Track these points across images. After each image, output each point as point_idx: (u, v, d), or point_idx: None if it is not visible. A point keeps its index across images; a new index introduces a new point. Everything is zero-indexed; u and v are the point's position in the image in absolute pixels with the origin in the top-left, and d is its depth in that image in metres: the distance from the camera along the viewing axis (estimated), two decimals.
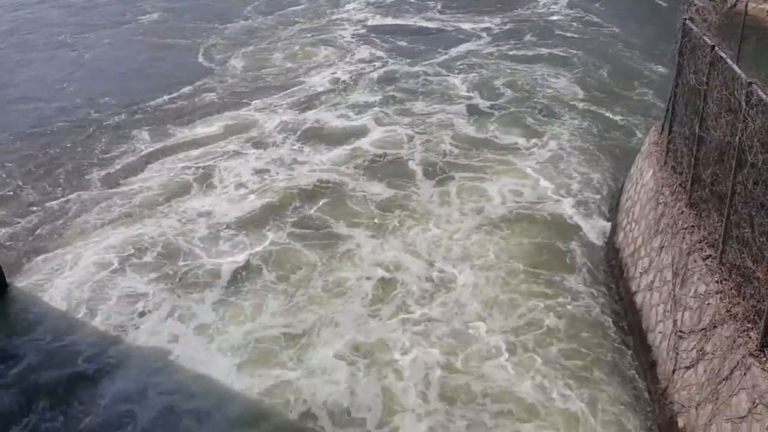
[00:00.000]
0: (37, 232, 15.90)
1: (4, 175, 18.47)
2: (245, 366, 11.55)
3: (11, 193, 17.65)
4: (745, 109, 8.82)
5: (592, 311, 12.62)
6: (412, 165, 18.04)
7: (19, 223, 16.25)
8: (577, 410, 10.53)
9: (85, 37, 29.85)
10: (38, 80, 25.35)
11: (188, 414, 10.79)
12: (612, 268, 13.68)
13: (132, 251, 14.83)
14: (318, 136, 19.78)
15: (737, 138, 9.05)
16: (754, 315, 8.57)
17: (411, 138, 19.49)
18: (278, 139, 19.70)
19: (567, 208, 15.96)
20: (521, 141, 19.19)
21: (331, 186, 17.09)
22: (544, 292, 13.12)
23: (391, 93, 22.65)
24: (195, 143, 19.65)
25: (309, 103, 22.15)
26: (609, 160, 18.05)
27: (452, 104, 21.74)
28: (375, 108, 21.45)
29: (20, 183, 18.02)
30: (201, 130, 20.52)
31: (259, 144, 19.42)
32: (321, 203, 16.35)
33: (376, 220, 15.57)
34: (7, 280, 13.91)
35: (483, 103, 21.73)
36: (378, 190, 16.86)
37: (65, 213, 16.59)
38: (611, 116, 20.53)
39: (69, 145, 19.97)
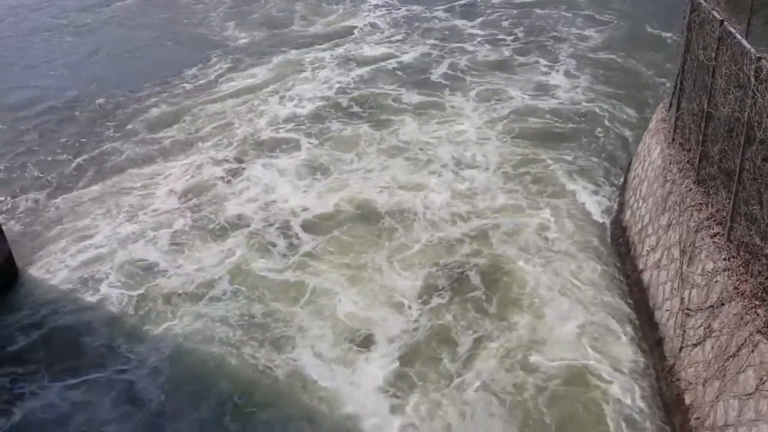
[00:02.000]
0: (49, 215, 16.00)
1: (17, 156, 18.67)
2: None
3: (23, 174, 17.81)
4: (754, 84, 8.73)
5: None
6: (438, 78, 22.06)
7: (32, 206, 16.38)
8: None
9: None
10: (58, 59, 25.61)
11: (197, 394, 10.94)
12: (619, 246, 13.66)
13: (149, 234, 14.88)
14: (354, 61, 23.67)
15: (746, 114, 8.96)
16: (761, 292, 8.55)
17: (434, 61, 23.39)
18: (323, 71, 23.00)
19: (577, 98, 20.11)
20: (539, 60, 22.97)
21: (374, 93, 21.21)
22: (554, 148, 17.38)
23: (410, 31, 26.33)
24: (248, 88, 21.88)
25: (340, 41, 25.66)
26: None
27: (468, 40, 25.13)
28: (398, 41, 25.37)
29: (31, 165, 18.16)
30: (258, 72, 23.26)
31: (306, 78, 22.49)
32: (366, 104, 20.51)
33: (413, 115, 19.57)
34: (18, 266, 13.88)
35: (496, 39, 25.12)
36: (413, 96, 20.89)
37: (79, 196, 16.75)
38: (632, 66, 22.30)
39: (90, 123, 20.42)
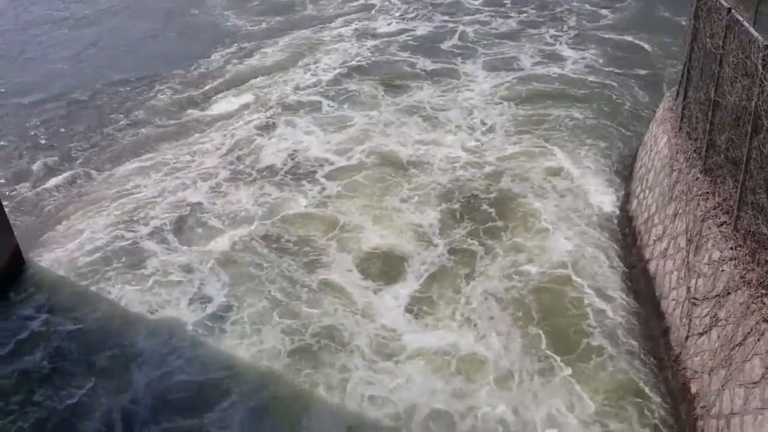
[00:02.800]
0: (56, 203, 16.09)
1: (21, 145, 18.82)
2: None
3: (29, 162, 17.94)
4: (762, 73, 8.69)
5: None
6: (450, 48, 23.92)
7: (39, 195, 16.48)
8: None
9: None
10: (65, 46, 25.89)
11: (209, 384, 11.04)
12: (625, 236, 13.65)
13: (153, 223, 14.93)
14: (370, 35, 25.39)
15: (753, 103, 8.93)
16: None
17: (446, 33, 25.19)
18: (342, 44, 24.61)
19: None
20: (545, 30, 24.89)
21: (391, 60, 23.15)
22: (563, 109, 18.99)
23: (422, 8, 28.14)
24: (275, 63, 23.24)
25: (356, 18, 27.28)
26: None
27: (476, 13, 27.14)
28: (411, 18, 27.15)
29: (38, 155, 18.25)
30: (281, 48, 24.64)
31: (327, 51, 24.17)
32: (383, 71, 22.22)
33: (427, 80, 21.39)
34: (25, 256, 13.91)
35: (502, 11, 26.92)
36: (427, 63, 22.71)
37: (82, 184, 16.91)
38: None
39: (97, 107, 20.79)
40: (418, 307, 12.19)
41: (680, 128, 12.59)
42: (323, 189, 15.80)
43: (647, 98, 19.36)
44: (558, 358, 10.92)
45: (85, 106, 20.94)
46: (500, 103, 19.58)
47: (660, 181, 12.65)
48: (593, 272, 12.70)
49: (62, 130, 19.53)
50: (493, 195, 15.24)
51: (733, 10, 10.07)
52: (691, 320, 10.00)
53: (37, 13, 29.74)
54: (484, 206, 14.88)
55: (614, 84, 20.46)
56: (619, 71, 21.27)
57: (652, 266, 12.01)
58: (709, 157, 10.97)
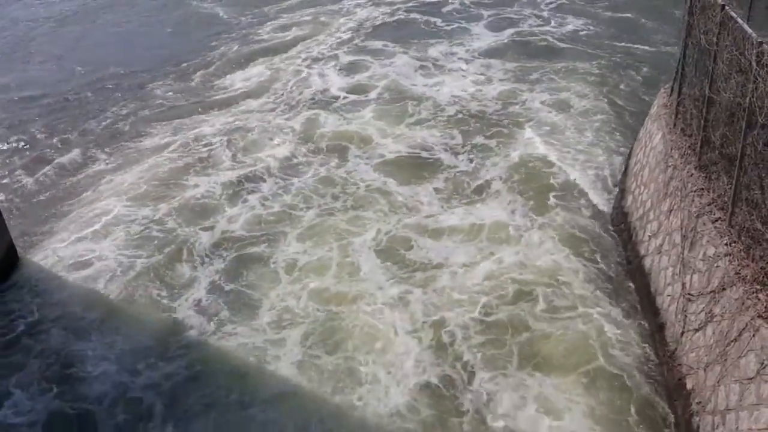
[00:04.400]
0: (50, 198, 16.16)
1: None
2: None
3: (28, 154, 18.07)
4: (756, 69, 8.69)
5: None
6: (452, 10, 27.52)
7: (34, 189, 16.57)
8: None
9: None
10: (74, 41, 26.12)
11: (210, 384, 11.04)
12: (620, 232, 13.67)
13: (145, 222, 14.95)
14: (383, 4, 28.59)
15: (747, 99, 8.94)
16: (763, 277, 8.57)
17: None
18: (359, 12, 28.07)
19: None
20: None
21: (401, 20, 26.80)
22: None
23: None
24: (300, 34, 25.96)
25: None
26: None
27: None
28: None
29: (34, 150, 18.32)
30: (303, 19, 27.60)
31: (346, 17, 27.57)
32: (393, 28, 25.91)
33: (437, 38, 24.76)
34: (19, 253, 13.89)
35: None
36: (437, 22, 26.23)
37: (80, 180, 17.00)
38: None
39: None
40: (442, 195, 15.47)
41: (675, 124, 12.61)
42: (348, 114, 19.39)
43: (638, 51, 22.56)
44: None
45: (81, 102, 20.96)
46: (498, 56, 22.85)
47: (655, 178, 12.67)
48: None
49: (60, 125, 19.61)
50: (492, 119, 18.80)
51: (727, 7, 10.08)
52: (686, 316, 10.02)
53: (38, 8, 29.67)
54: (483, 127, 18.40)
55: (603, 38, 23.59)
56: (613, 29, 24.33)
57: (647, 262, 12.04)
58: (703, 154, 10.98)
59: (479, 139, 17.79)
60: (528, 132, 17.91)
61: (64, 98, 21.34)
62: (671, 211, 11.43)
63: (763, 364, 7.82)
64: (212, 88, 21.82)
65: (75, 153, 18.09)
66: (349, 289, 12.52)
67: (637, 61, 21.79)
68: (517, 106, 19.35)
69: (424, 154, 17.22)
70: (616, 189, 15.13)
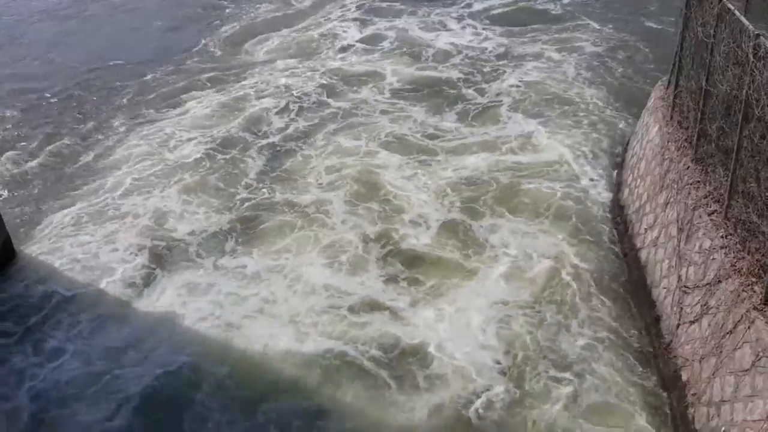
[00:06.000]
0: (49, 190, 16.07)
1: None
2: None
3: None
4: (753, 62, 8.70)
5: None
6: None
7: (32, 188, 16.43)
8: None
9: None
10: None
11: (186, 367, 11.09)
12: (617, 224, 13.69)
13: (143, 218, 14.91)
14: None
15: (744, 92, 8.94)
16: (758, 269, 8.60)
17: None
18: None
19: None
20: None
21: None
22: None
23: None
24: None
25: None
26: None
27: None
28: None
29: (30, 144, 18.18)
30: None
31: None
32: None
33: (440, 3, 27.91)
34: (16, 247, 13.83)
35: None
36: None
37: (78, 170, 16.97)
38: None
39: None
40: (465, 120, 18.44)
41: (671, 117, 12.61)
42: (364, 55, 23.07)
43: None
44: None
45: (77, 97, 20.87)
46: (495, 16, 25.94)
47: (651, 170, 12.68)
48: None
49: (60, 114, 19.60)
50: (489, 62, 22.18)
51: None
52: (682, 308, 10.06)
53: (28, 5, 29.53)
54: (480, 67, 21.76)
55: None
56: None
57: (643, 254, 12.06)
58: (700, 146, 11.00)
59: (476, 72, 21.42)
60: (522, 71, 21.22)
61: (64, 87, 21.28)
62: (667, 203, 11.45)
63: (758, 356, 7.86)
64: (238, 54, 23.97)
65: (72, 149, 17.98)
66: (373, 161, 16.52)
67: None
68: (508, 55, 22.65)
69: (438, 86, 20.58)
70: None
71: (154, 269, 13.16)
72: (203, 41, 24.96)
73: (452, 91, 20.06)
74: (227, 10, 28.06)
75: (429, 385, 10.38)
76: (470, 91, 20.08)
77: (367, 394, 10.25)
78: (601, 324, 11.39)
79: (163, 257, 13.52)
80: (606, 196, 14.69)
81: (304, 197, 15.12)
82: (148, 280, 12.89)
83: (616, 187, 14.74)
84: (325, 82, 20.93)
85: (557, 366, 10.68)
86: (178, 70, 22.57)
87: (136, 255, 13.57)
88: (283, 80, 21.16)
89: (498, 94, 19.63)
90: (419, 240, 13.58)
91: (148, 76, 21.95)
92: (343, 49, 23.70)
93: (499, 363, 10.76)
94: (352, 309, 11.87)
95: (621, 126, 17.45)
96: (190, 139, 17.89)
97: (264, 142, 17.63)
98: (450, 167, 16.04)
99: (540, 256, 12.92)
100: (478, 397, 10.16)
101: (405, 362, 10.77)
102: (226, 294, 12.45)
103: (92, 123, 19.12)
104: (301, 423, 9.87)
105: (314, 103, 19.70)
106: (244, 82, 21.30)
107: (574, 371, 10.57)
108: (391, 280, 12.55)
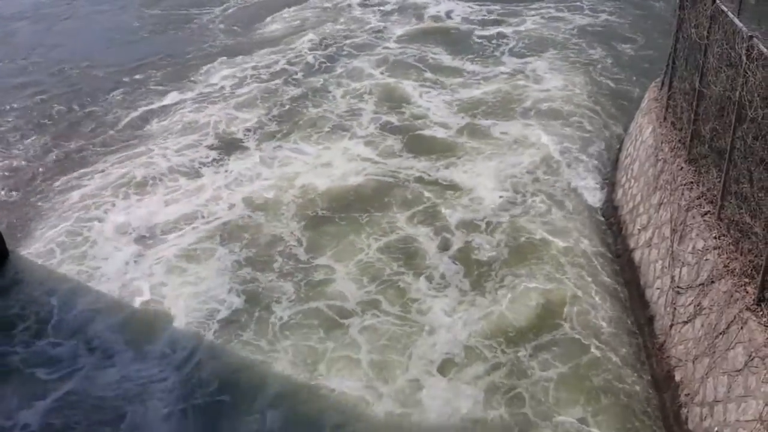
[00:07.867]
0: (43, 189, 15.99)
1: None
2: None
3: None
4: (746, 63, 8.73)
5: None
6: None
7: (26, 186, 16.33)
8: None
9: None
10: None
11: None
12: (610, 225, 13.72)
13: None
14: None
15: (737, 93, 8.98)
16: (751, 270, 8.63)
17: None
18: None
19: None
20: None
21: None
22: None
23: None
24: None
25: None
26: None
27: None
28: None
29: (24, 145, 18.08)
30: None
31: None
32: None
33: None
34: (8, 247, 13.73)
35: None
36: None
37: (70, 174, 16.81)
38: None
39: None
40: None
41: (665, 118, 12.66)
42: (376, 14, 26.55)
43: None
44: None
45: (73, 95, 20.81)
46: None
47: (645, 171, 12.72)
48: None
49: (55, 114, 19.48)
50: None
51: (717, 1, 10.11)
52: (675, 309, 10.09)
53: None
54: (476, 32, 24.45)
55: None
56: None
57: (636, 255, 12.09)
58: (693, 147, 11.03)
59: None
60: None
61: (57, 84, 21.26)
62: (661, 204, 11.48)
63: (750, 356, 7.89)
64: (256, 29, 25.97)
65: (70, 145, 17.93)
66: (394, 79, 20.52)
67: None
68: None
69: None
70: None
71: None
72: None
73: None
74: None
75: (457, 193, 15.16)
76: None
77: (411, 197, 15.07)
78: (594, 324, 11.41)
79: None
80: (599, 196, 14.76)
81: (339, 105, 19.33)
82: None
83: (610, 187, 14.78)
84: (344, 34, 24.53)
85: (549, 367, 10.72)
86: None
87: None
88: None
89: None
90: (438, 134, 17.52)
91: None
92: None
93: None
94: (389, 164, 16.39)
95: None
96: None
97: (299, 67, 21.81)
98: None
99: None
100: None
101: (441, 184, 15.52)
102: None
103: (89, 120, 19.11)
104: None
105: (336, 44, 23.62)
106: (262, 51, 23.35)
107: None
108: (417, 155, 16.67)
